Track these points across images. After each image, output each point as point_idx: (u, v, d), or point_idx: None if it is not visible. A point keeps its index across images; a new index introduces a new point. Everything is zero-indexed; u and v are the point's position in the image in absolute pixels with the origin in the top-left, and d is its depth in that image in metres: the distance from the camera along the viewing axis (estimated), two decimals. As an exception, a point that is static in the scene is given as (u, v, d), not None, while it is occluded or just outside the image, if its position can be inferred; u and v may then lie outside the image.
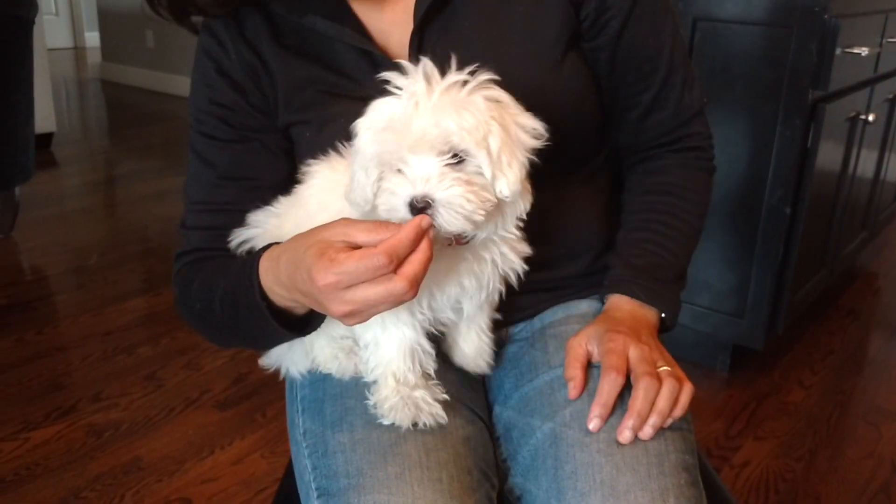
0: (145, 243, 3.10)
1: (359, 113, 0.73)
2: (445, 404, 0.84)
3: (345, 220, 0.72)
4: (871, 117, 2.26)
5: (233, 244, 0.90)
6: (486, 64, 0.85)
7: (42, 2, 3.40)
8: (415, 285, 0.68)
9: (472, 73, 0.71)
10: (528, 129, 0.73)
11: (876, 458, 1.95)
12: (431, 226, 0.69)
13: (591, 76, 0.95)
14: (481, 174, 0.71)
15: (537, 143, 0.73)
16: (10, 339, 2.34)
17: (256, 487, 1.75)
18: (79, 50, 7.58)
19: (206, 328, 0.93)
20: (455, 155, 0.69)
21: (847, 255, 2.63)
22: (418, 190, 0.69)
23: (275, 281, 0.78)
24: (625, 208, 1.02)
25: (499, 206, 0.73)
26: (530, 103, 0.83)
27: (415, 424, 0.82)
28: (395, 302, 0.70)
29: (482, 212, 0.70)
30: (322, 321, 0.85)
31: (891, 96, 2.52)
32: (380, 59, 0.89)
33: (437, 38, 0.89)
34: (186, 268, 0.94)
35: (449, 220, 0.69)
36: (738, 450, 1.95)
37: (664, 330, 0.96)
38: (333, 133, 0.84)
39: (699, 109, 1.00)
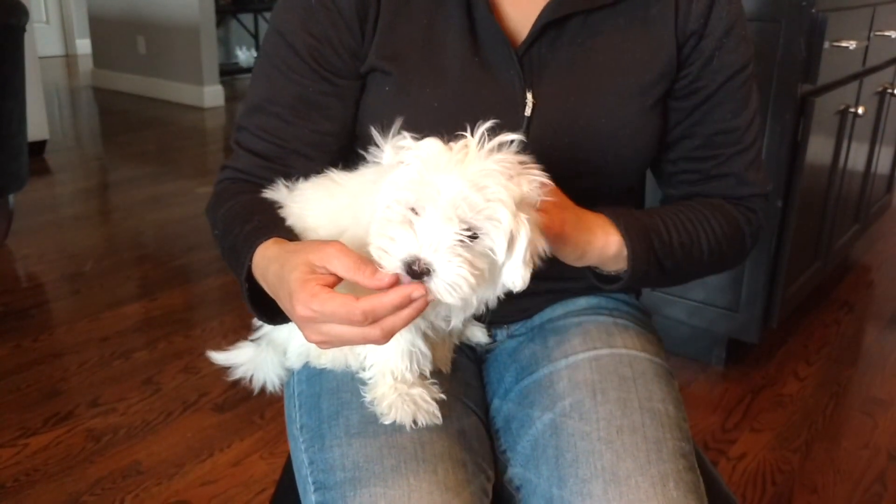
0: (140, 249, 3.10)
1: (440, 92, 0.72)
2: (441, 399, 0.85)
3: (335, 246, 0.69)
4: (860, 110, 2.27)
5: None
6: (581, 85, 0.88)
7: (33, 10, 3.40)
8: (389, 336, 0.68)
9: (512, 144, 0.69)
10: (539, 228, 0.71)
11: (872, 448, 1.96)
12: (426, 304, 0.66)
13: (662, 130, 0.95)
14: (489, 256, 0.68)
15: (546, 251, 0.72)
16: (7, 346, 2.33)
17: (256, 489, 1.76)
18: (70, 57, 7.54)
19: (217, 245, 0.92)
20: (469, 229, 0.66)
21: (840, 248, 2.64)
22: (423, 253, 0.65)
23: (262, 279, 0.79)
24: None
25: (491, 281, 0.71)
26: (603, 137, 0.86)
27: (414, 422, 0.83)
28: (366, 343, 0.71)
29: (474, 293, 0.68)
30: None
31: (880, 89, 2.53)
32: (483, 42, 0.87)
33: (549, 44, 0.88)
34: (227, 182, 0.93)
35: (443, 293, 0.66)
36: (734, 443, 1.96)
37: (620, 283, 0.88)
38: (415, 99, 0.80)
39: (759, 192, 0.97)
